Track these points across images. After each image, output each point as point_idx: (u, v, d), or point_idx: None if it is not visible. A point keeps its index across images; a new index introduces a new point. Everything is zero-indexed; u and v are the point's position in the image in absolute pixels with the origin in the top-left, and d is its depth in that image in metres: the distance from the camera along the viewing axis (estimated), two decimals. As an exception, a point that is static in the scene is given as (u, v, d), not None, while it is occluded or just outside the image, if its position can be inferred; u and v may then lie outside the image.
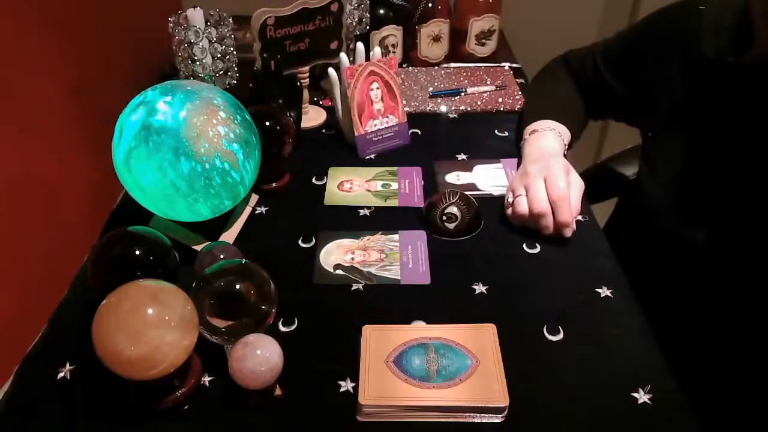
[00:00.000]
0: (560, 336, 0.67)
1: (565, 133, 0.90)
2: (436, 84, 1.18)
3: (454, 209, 0.81)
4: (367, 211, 0.86)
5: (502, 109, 1.10)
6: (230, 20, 0.95)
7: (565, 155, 0.86)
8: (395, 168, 0.95)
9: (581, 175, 0.82)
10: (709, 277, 0.76)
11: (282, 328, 0.68)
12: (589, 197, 1.09)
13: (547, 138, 0.87)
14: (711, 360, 0.78)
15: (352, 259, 0.77)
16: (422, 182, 0.92)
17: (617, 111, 0.95)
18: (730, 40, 0.71)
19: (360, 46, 0.96)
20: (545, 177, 0.78)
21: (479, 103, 1.12)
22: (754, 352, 0.75)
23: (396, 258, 0.78)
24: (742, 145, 0.72)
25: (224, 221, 0.80)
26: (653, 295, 0.75)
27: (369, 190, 0.90)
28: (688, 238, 0.76)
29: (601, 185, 1.12)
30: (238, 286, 0.60)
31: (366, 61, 0.96)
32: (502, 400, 0.58)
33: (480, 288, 0.73)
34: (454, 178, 0.92)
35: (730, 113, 0.72)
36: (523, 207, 0.79)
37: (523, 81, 1.20)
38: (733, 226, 0.73)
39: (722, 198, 0.74)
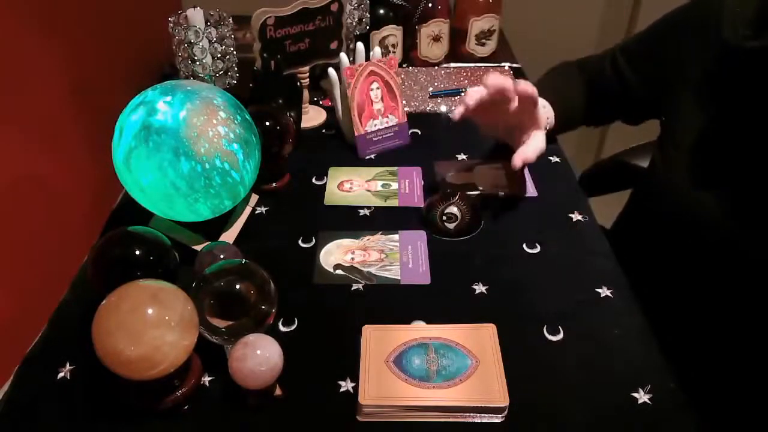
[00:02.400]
0: (560, 336, 0.67)
1: (551, 120, 0.90)
2: (436, 84, 1.18)
3: (454, 209, 0.81)
4: (367, 211, 0.86)
5: (502, 109, 1.10)
6: (230, 20, 0.95)
7: None
8: (395, 168, 0.95)
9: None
10: (712, 270, 0.76)
11: (282, 328, 0.68)
12: (602, 188, 1.09)
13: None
14: (711, 360, 0.78)
15: (352, 259, 0.77)
16: (422, 182, 0.92)
17: (631, 108, 0.94)
18: (750, 26, 0.71)
19: (360, 46, 0.96)
20: None
21: (479, 103, 1.12)
22: (754, 351, 0.75)
23: (396, 258, 0.78)
24: (755, 128, 0.72)
25: (224, 221, 0.80)
26: (653, 295, 0.75)
27: (369, 190, 0.90)
28: (692, 217, 0.76)
29: (613, 176, 1.12)
30: (238, 286, 0.60)
31: (366, 61, 0.96)
32: (502, 400, 0.58)
33: (480, 288, 0.73)
34: (454, 178, 0.92)
35: (745, 96, 0.73)
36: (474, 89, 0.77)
37: (523, 81, 1.20)
38: (742, 206, 0.73)
39: (732, 177, 0.74)
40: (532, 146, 0.82)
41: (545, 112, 0.88)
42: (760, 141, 0.72)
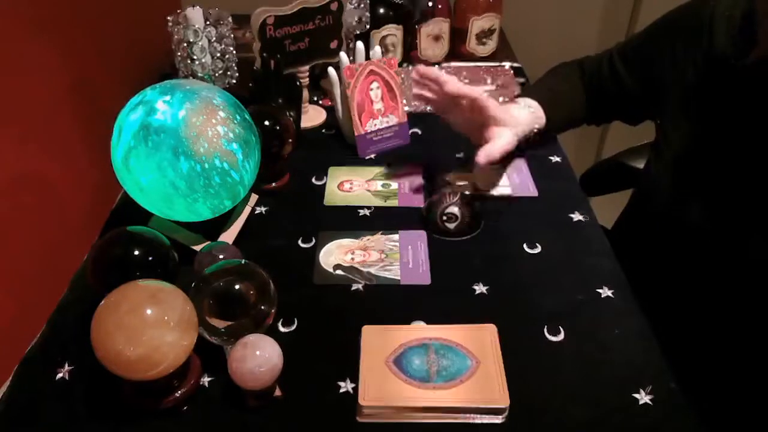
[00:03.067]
0: (560, 336, 0.67)
1: (540, 120, 0.90)
2: (436, 83, 1.17)
3: (454, 209, 0.81)
4: (367, 211, 0.86)
5: (502, 108, 1.10)
6: (230, 19, 0.95)
7: (529, 140, 0.90)
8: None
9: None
10: (710, 270, 0.77)
11: (282, 328, 0.68)
12: (602, 188, 1.08)
13: (521, 110, 0.88)
14: (712, 360, 0.78)
15: (352, 259, 0.77)
16: (422, 182, 0.92)
17: (628, 108, 0.95)
18: (738, 39, 0.72)
19: (360, 45, 0.96)
20: None
21: (479, 102, 1.11)
22: (754, 352, 0.75)
23: (396, 258, 0.77)
24: (739, 137, 0.73)
25: (224, 221, 0.80)
26: (654, 295, 0.75)
27: (369, 190, 0.90)
28: (683, 218, 0.77)
29: (613, 176, 1.13)
30: (237, 286, 0.60)
31: (366, 60, 0.95)
32: (503, 400, 0.58)
33: (480, 288, 0.73)
34: (454, 178, 0.92)
35: (731, 106, 0.73)
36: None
37: (523, 80, 1.20)
38: (729, 210, 0.74)
39: (719, 181, 0.75)
40: (497, 144, 0.83)
41: (527, 113, 0.88)
42: (743, 150, 0.72)
